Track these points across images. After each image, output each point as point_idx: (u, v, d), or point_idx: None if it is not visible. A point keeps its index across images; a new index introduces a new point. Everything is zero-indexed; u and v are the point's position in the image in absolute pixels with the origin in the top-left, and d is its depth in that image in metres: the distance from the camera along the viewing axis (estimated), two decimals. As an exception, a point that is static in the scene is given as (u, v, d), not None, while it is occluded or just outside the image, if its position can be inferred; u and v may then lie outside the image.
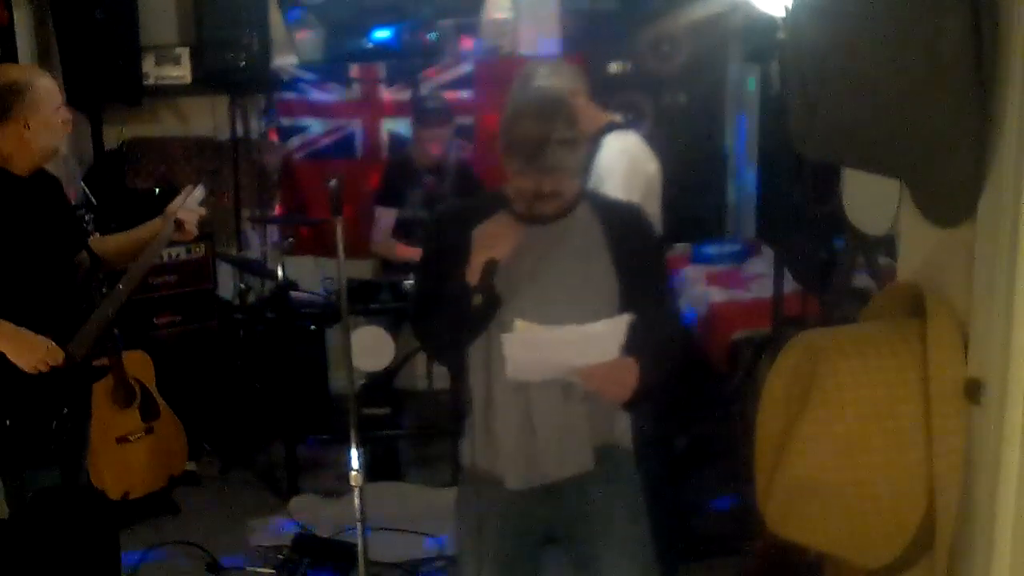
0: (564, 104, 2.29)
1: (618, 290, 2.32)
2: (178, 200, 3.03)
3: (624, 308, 2.24)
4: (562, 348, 2.19)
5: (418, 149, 4.77)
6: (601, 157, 3.26)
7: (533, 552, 2.49)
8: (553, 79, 3.17)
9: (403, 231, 4.77)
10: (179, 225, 3.02)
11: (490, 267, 2.20)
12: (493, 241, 2.22)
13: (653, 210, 3.36)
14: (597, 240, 2.35)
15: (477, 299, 2.20)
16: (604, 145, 3.28)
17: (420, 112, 4.82)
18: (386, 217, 4.77)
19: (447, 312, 2.27)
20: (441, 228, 2.48)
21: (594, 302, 2.27)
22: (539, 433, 2.31)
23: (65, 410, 2.94)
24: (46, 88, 2.90)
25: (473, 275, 2.21)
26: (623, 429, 2.47)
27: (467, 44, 5.38)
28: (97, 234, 3.74)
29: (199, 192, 3.09)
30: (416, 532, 3.98)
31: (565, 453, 2.34)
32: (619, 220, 2.42)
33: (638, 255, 2.35)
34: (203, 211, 3.10)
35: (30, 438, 2.86)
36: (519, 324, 2.15)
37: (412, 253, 4.49)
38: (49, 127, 2.88)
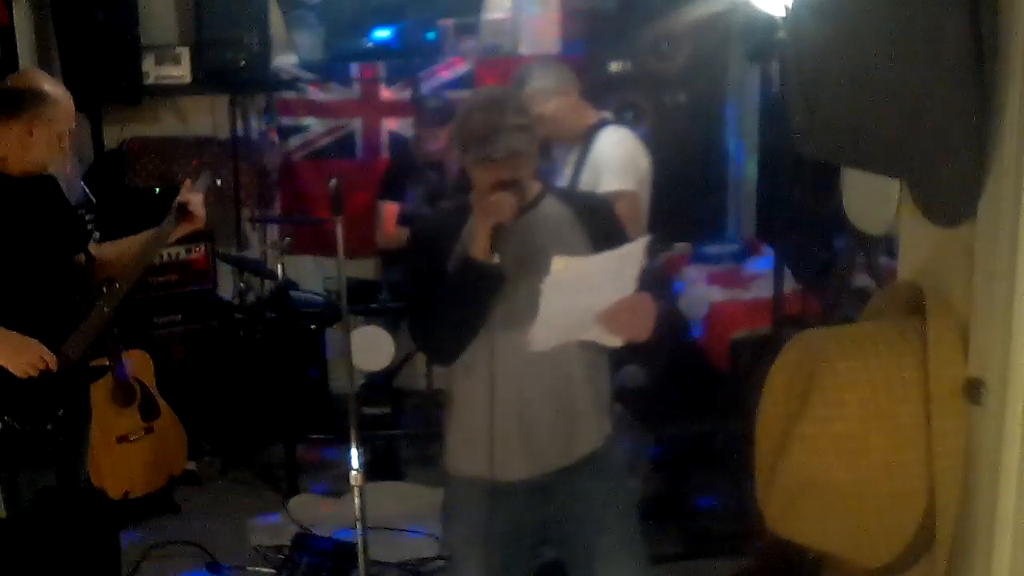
0: (512, 95, 2.38)
1: None
2: (179, 197, 2.99)
3: None
4: (594, 279, 2.19)
5: (418, 146, 4.89)
6: (597, 148, 3.37)
7: (527, 555, 2.49)
8: (543, 79, 3.28)
9: (406, 225, 4.78)
10: (183, 211, 2.93)
11: (497, 233, 2.21)
12: (496, 208, 2.22)
13: (644, 205, 3.42)
14: (569, 231, 2.36)
15: (494, 259, 2.21)
16: (599, 138, 3.39)
17: (421, 110, 4.97)
18: (389, 210, 4.79)
19: (455, 297, 2.26)
20: (421, 243, 2.49)
21: None
22: (534, 426, 2.33)
23: (61, 412, 2.91)
24: (65, 111, 2.90)
25: (480, 243, 2.21)
26: (606, 426, 2.48)
27: (467, 43, 5.38)
28: (97, 234, 3.73)
29: (203, 182, 3.02)
30: (416, 532, 3.97)
31: (559, 443, 2.36)
32: (589, 209, 2.44)
33: (611, 244, 2.31)
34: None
35: (26, 440, 2.84)
36: (556, 262, 2.13)
37: None
38: (50, 145, 2.87)
